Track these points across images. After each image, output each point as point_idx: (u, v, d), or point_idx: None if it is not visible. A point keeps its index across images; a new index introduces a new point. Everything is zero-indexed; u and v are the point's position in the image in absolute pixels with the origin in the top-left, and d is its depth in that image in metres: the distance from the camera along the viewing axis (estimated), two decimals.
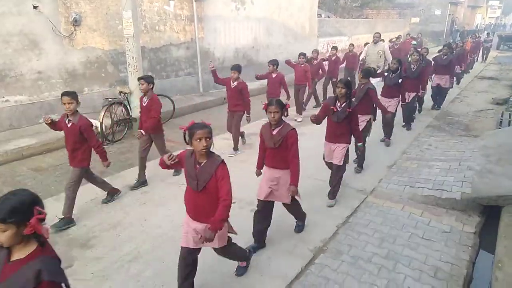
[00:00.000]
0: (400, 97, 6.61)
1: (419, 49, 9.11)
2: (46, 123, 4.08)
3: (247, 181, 5.17)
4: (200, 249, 2.87)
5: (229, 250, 3.00)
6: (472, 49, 15.61)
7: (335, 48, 10.22)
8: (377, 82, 7.29)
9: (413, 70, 7.31)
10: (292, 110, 8.09)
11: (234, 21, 11.51)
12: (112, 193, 4.69)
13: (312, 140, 5.75)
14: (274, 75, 7.02)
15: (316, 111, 5.05)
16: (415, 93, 7.33)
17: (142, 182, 5.11)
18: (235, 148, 6.23)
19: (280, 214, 4.14)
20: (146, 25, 8.93)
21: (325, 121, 4.54)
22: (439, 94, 9.22)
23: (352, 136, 4.47)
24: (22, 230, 1.68)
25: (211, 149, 2.64)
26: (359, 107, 5.27)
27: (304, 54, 8.09)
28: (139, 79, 4.99)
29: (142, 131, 4.98)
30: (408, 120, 7.64)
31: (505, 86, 12.80)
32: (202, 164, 2.65)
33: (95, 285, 3.24)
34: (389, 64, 7.04)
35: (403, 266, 3.43)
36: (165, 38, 9.49)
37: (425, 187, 4.90)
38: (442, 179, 5.06)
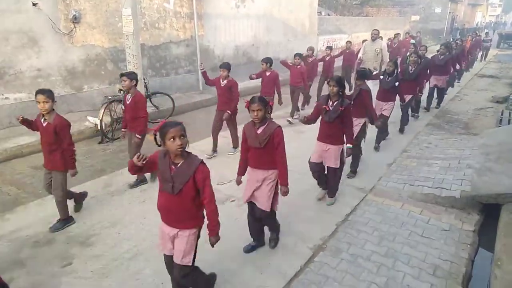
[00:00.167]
0: (395, 101, 6.35)
1: (418, 48, 9.11)
2: (20, 122, 3.89)
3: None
4: None
5: (191, 277, 2.74)
6: (472, 47, 15.50)
7: (329, 48, 10.03)
8: (373, 86, 7.08)
9: (410, 72, 7.13)
10: (289, 111, 8.09)
11: (234, 19, 11.49)
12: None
13: (311, 136, 5.74)
14: (268, 73, 6.80)
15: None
16: (411, 95, 7.13)
17: (141, 180, 5.08)
18: (235, 146, 6.21)
19: (279, 212, 4.15)
20: (146, 22, 8.91)
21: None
22: (438, 94, 9.11)
23: (345, 135, 4.27)
24: None
25: (186, 149, 2.49)
26: (353, 110, 5.11)
27: (300, 55, 7.90)
28: (121, 75, 4.79)
29: (137, 135, 4.75)
30: (404, 123, 7.37)
31: (505, 84, 12.79)
32: (179, 165, 2.50)
33: (95, 282, 3.25)
34: (385, 68, 6.75)
35: (402, 264, 3.43)
36: (165, 35, 9.47)
37: (425, 185, 4.91)
38: (442, 177, 5.06)
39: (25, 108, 6.98)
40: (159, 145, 2.50)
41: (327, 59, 9.75)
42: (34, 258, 3.57)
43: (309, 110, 8.73)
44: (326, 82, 9.34)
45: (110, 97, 7.10)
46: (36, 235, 3.91)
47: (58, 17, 7.19)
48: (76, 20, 7.41)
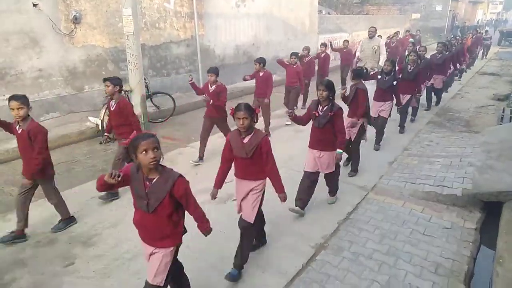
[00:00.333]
0: (394, 100, 6.24)
1: (417, 48, 9.01)
2: None
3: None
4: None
5: None
6: (473, 44, 15.40)
7: (324, 45, 9.77)
8: (371, 86, 6.89)
9: (409, 71, 6.95)
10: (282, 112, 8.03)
11: (234, 18, 11.48)
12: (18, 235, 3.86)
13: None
14: (261, 74, 6.62)
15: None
16: (410, 95, 7.01)
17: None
18: None
19: (280, 211, 4.16)
20: (146, 22, 8.91)
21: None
22: (435, 94, 8.99)
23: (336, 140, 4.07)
24: None
25: (160, 162, 2.33)
26: (350, 110, 5.10)
27: (296, 54, 7.78)
28: (104, 80, 4.52)
29: (107, 134, 4.76)
30: (402, 123, 7.27)
31: (506, 82, 12.76)
32: (154, 180, 2.32)
33: (96, 282, 3.26)
34: (382, 68, 6.60)
35: (404, 262, 3.43)
36: (165, 35, 9.47)
37: (426, 184, 4.90)
38: (443, 175, 5.05)
39: None
40: (131, 160, 2.33)
41: (322, 56, 9.63)
42: (36, 258, 3.58)
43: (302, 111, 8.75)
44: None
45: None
46: (37, 235, 3.92)
47: (58, 18, 7.20)
48: (76, 20, 7.42)
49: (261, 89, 6.69)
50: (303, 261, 3.46)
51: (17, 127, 3.64)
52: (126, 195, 4.80)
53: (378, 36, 12.88)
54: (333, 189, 4.52)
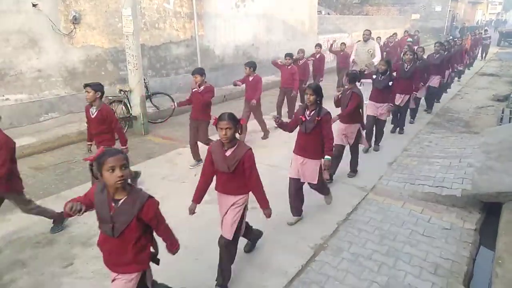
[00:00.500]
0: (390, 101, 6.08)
1: (415, 47, 8.96)
2: None
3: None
4: None
5: None
6: (472, 46, 15.37)
7: (319, 45, 9.63)
8: (367, 86, 6.88)
9: (406, 70, 6.83)
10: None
11: (234, 18, 11.48)
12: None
13: None
14: (251, 78, 6.43)
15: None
16: (409, 95, 6.90)
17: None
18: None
19: (279, 211, 4.16)
20: (146, 22, 8.91)
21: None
22: (430, 95, 8.66)
23: (324, 146, 3.88)
24: None
25: (129, 181, 2.16)
26: (347, 115, 4.93)
27: (290, 55, 7.60)
28: (85, 86, 4.25)
29: (123, 147, 4.45)
30: (401, 123, 7.19)
31: (505, 83, 12.79)
32: (121, 202, 2.11)
33: (96, 283, 3.25)
34: (377, 67, 6.40)
35: (404, 263, 3.43)
36: (165, 36, 9.47)
37: (426, 184, 4.90)
38: (443, 176, 5.06)
39: (25, 109, 7.00)
40: (97, 178, 2.13)
41: (317, 56, 9.49)
42: (35, 258, 3.57)
43: None
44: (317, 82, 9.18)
45: (110, 98, 7.10)
46: (37, 236, 3.91)
47: (58, 18, 7.19)
48: (76, 20, 7.42)
49: (251, 93, 6.50)
50: (302, 262, 3.46)
51: None
52: None
53: (378, 38, 12.93)
54: (323, 193, 4.30)
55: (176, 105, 5.91)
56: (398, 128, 7.22)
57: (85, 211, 2.15)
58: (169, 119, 8.09)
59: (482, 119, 8.22)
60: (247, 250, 3.57)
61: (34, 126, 6.93)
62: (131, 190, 2.16)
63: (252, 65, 6.44)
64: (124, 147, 4.46)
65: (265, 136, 6.92)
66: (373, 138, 6.29)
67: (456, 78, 12.24)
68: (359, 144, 5.27)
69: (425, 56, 8.38)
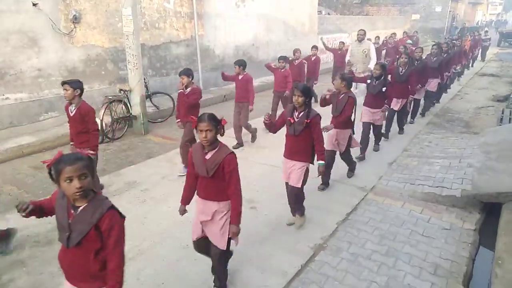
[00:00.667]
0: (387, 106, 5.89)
1: (413, 48, 8.82)
2: None
3: (245, 178, 5.17)
4: None
5: None
6: (472, 47, 15.15)
7: (315, 47, 9.41)
8: (363, 90, 6.70)
9: (401, 73, 6.64)
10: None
11: (234, 18, 11.48)
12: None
13: None
14: (240, 77, 6.20)
15: None
16: (406, 99, 6.76)
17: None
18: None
19: (278, 212, 4.16)
20: (146, 22, 8.91)
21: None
22: (426, 98, 8.41)
23: (315, 150, 3.77)
24: None
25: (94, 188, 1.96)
26: (340, 119, 4.71)
27: (284, 58, 7.35)
28: (63, 83, 4.11)
29: (91, 151, 4.11)
30: (401, 124, 7.08)
31: (505, 83, 12.78)
32: (80, 209, 1.91)
33: None
34: (372, 72, 6.16)
35: (403, 263, 3.43)
36: (165, 35, 9.47)
37: (425, 184, 4.90)
38: (442, 176, 5.06)
39: (25, 109, 7.00)
40: (55, 182, 1.92)
41: (312, 59, 9.25)
42: (34, 258, 3.57)
43: None
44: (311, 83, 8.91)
45: (110, 97, 7.11)
46: (36, 235, 3.91)
47: (58, 17, 7.19)
48: (76, 20, 7.42)
49: (240, 93, 6.30)
50: (302, 262, 3.45)
51: None
52: (126, 194, 4.80)
53: (376, 37, 12.87)
54: (297, 209, 3.97)
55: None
56: (398, 129, 7.14)
57: (43, 215, 2.03)
58: (169, 119, 8.09)
59: (482, 120, 8.22)
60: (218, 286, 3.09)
61: (34, 125, 6.94)
62: (93, 197, 1.94)
63: (241, 64, 6.21)
64: (92, 152, 4.10)
65: (236, 145, 6.33)
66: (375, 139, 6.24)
67: (456, 78, 12.18)
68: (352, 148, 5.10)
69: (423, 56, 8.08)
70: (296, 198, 3.87)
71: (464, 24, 30.29)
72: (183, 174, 5.01)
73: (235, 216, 2.75)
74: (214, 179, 2.70)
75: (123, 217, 2.00)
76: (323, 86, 8.97)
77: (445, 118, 8.33)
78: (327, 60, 15.30)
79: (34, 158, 5.98)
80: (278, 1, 13.22)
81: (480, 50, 18.21)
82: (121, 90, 7.41)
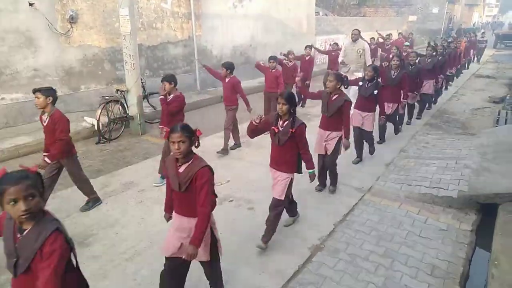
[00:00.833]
0: (375, 110, 5.69)
1: (409, 51, 8.70)
2: None
3: (243, 178, 5.19)
4: None
5: None
6: (467, 49, 15.02)
7: (309, 47, 9.28)
8: (354, 93, 6.52)
9: (393, 77, 6.43)
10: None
11: (231, 19, 11.48)
12: None
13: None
14: (226, 80, 6.02)
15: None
16: (397, 104, 6.53)
17: None
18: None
19: None
20: (143, 22, 8.89)
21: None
22: (421, 101, 8.22)
23: (303, 160, 3.61)
24: None
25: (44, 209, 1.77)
26: (331, 122, 4.53)
27: (275, 58, 7.15)
28: (34, 91, 3.84)
29: (46, 158, 3.87)
30: (382, 133, 6.69)
31: (501, 85, 12.85)
32: (25, 233, 1.72)
33: (92, 283, 3.21)
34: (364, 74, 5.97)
35: (400, 264, 3.44)
36: (163, 35, 9.45)
37: (422, 185, 4.91)
38: (439, 177, 5.07)
39: (21, 109, 6.97)
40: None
41: (306, 58, 9.10)
42: None
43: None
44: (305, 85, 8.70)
45: (107, 97, 7.10)
46: None
47: (55, 17, 7.17)
48: (73, 20, 7.39)
49: (227, 97, 6.11)
50: (299, 263, 3.46)
51: None
52: (123, 194, 4.78)
53: (371, 38, 12.85)
54: (268, 231, 3.65)
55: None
56: (394, 129, 7.02)
57: None
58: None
59: (479, 121, 8.26)
60: None
61: (30, 126, 6.90)
62: (40, 219, 1.73)
63: (229, 67, 6.01)
64: (49, 161, 3.87)
65: (221, 151, 6.07)
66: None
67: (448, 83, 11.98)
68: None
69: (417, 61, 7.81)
70: (274, 209, 3.60)
71: (460, 26, 30.44)
72: (159, 184, 4.95)
73: (197, 236, 2.44)
74: (188, 193, 2.50)
75: (68, 243, 1.79)
76: (317, 88, 8.92)
77: (442, 119, 8.37)
78: (325, 61, 15.30)
79: (30, 158, 5.94)
80: (276, 2, 13.24)
81: (476, 52, 18.13)
82: (118, 90, 7.39)
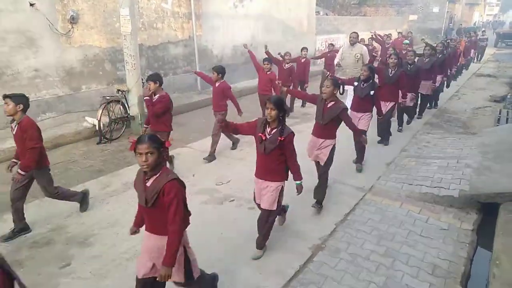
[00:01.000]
0: (372, 111, 5.48)
1: (409, 49, 8.64)
2: None
3: (244, 178, 5.18)
4: None
5: None
6: (467, 48, 14.81)
7: (305, 49, 9.03)
8: (351, 98, 6.17)
9: (390, 75, 6.32)
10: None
11: (232, 19, 11.48)
12: None
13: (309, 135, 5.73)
14: (216, 85, 5.79)
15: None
16: (393, 103, 6.34)
17: (21, 229, 3.92)
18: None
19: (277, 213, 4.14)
20: (144, 22, 8.89)
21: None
22: (421, 101, 8.19)
23: (290, 171, 3.41)
24: None
25: None
26: (326, 129, 4.26)
27: (269, 60, 7.01)
28: (4, 97, 3.61)
29: (19, 170, 3.72)
30: (384, 134, 6.58)
31: (502, 84, 12.84)
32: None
33: (93, 283, 3.24)
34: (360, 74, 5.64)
35: (401, 263, 3.44)
36: (163, 35, 9.45)
37: (423, 185, 4.91)
38: (440, 177, 5.07)
39: None
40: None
41: (302, 61, 8.86)
42: (32, 258, 3.56)
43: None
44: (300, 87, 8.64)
45: (108, 98, 7.11)
46: (34, 236, 3.90)
47: (55, 18, 7.16)
48: (73, 20, 7.39)
49: (215, 103, 5.91)
50: (300, 262, 3.46)
51: None
52: (124, 194, 4.79)
53: (370, 38, 12.77)
54: (260, 239, 3.56)
55: None
56: (381, 140, 6.68)
57: None
58: None
59: (480, 120, 8.25)
60: None
61: None
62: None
63: (219, 71, 5.75)
64: (23, 173, 3.75)
65: (207, 158, 5.89)
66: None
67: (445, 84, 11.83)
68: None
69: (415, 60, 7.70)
70: (266, 223, 3.45)
71: (460, 25, 30.39)
72: None
73: (169, 256, 2.31)
74: (156, 209, 2.35)
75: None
76: (314, 92, 8.88)
77: (443, 119, 8.36)
78: (321, 61, 15.25)
79: None
80: (276, 1, 13.23)
81: (476, 52, 17.92)
82: (119, 90, 7.40)
